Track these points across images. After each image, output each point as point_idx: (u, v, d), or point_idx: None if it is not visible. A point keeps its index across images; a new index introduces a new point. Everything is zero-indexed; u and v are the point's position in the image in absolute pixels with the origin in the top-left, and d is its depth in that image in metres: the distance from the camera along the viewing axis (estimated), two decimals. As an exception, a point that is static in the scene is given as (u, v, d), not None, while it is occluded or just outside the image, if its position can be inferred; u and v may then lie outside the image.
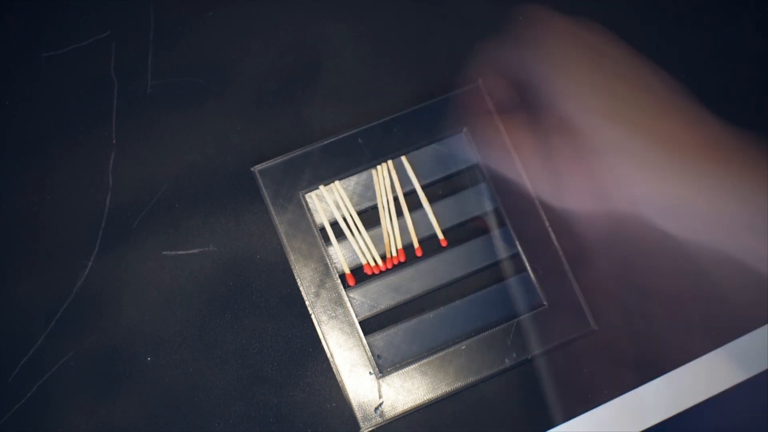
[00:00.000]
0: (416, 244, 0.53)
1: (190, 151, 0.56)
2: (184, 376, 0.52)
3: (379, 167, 0.54)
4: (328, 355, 0.52)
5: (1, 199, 0.55)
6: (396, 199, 0.54)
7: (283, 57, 0.57)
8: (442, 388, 0.51)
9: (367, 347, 0.52)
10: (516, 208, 0.53)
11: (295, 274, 0.53)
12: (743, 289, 0.54)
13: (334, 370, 0.52)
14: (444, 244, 0.54)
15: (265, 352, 0.53)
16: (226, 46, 0.57)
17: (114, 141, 0.56)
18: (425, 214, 0.54)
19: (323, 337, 0.52)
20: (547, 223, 0.53)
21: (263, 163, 0.54)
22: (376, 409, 0.51)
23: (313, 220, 0.53)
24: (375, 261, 0.53)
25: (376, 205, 0.54)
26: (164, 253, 0.54)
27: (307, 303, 0.52)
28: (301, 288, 0.52)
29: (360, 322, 0.52)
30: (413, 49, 0.57)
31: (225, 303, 0.53)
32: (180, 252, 0.54)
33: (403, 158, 0.54)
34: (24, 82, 0.56)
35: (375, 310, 0.53)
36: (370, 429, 0.51)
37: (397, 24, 0.58)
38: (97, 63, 0.57)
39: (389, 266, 0.53)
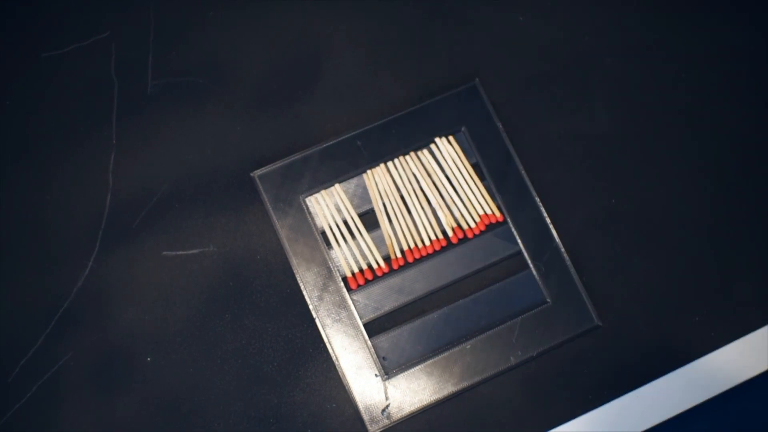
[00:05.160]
0: (423, 243, 0.53)
1: (190, 151, 0.56)
2: (184, 376, 0.52)
3: (370, 171, 0.54)
4: (333, 357, 0.51)
5: (2, 200, 0.54)
6: (401, 198, 0.54)
7: (283, 57, 0.57)
8: (448, 388, 0.51)
9: (372, 349, 0.52)
10: (516, 204, 0.53)
11: (298, 279, 0.53)
12: (743, 290, 0.54)
13: (339, 372, 0.51)
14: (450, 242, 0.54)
15: (265, 352, 0.53)
16: (226, 46, 0.57)
17: (114, 141, 0.56)
18: (428, 214, 0.54)
19: (328, 340, 0.52)
20: (548, 220, 0.53)
21: (263, 168, 0.54)
22: (383, 411, 0.51)
23: (314, 224, 0.53)
24: (378, 263, 0.53)
25: (382, 204, 0.54)
26: (164, 253, 0.54)
27: (310, 307, 0.52)
28: (304, 292, 0.52)
29: (364, 325, 0.52)
30: (412, 49, 0.57)
31: (225, 303, 0.53)
32: (180, 252, 0.54)
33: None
34: (24, 82, 0.56)
35: (379, 312, 0.52)
36: (378, 431, 0.51)
37: (396, 24, 0.58)
38: (97, 63, 0.57)
39: (394, 267, 0.53)
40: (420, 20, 0.58)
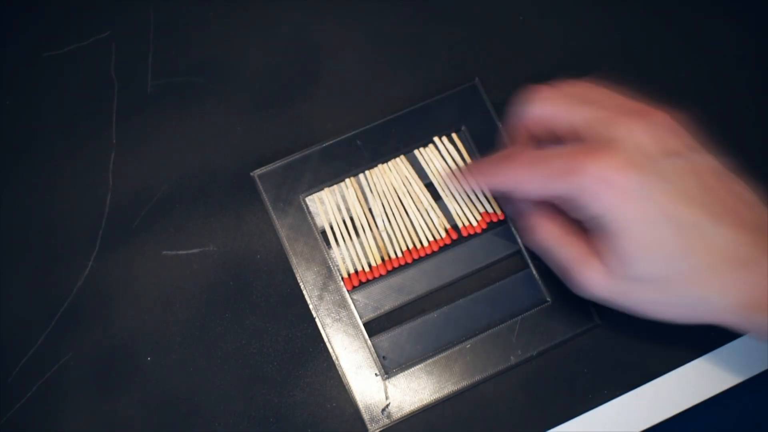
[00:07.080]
0: (423, 243, 0.53)
1: (190, 151, 0.56)
2: (184, 376, 0.52)
3: (367, 171, 0.54)
4: (334, 357, 0.52)
5: (1, 200, 0.54)
6: (403, 196, 0.54)
7: (283, 57, 0.57)
8: (448, 388, 0.51)
9: (372, 349, 0.52)
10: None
11: (298, 278, 0.53)
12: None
13: (339, 372, 0.51)
14: (454, 237, 0.54)
15: (266, 352, 0.53)
16: (226, 46, 0.57)
17: (114, 141, 0.56)
18: (430, 211, 0.54)
19: (328, 339, 0.52)
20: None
21: (263, 168, 0.54)
22: (383, 410, 0.51)
23: (314, 224, 0.53)
24: (377, 262, 0.53)
25: (381, 204, 0.54)
26: (164, 253, 0.54)
27: (310, 306, 0.52)
28: (304, 291, 0.52)
29: (364, 324, 0.52)
30: (412, 48, 0.58)
31: (225, 303, 0.53)
32: (180, 252, 0.54)
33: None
34: (24, 82, 0.56)
35: (379, 312, 0.52)
36: (378, 430, 0.51)
37: (396, 24, 0.58)
38: (97, 63, 0.57)
39: (394, 266, 0.53)
40: (420, 20, 0.58)
